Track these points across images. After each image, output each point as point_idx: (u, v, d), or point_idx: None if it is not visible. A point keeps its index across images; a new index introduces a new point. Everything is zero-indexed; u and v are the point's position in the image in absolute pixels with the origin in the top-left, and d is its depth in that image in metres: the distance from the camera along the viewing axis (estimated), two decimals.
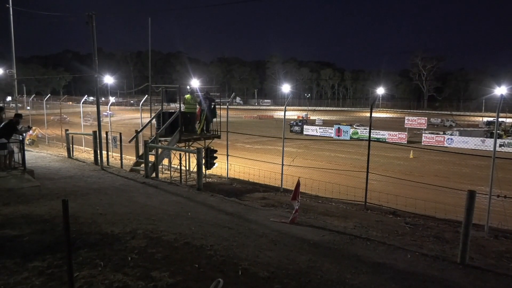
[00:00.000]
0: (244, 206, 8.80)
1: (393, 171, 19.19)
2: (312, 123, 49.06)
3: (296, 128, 42.42)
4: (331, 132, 39.42)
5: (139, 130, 14.52)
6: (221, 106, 14.87)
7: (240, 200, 9.74)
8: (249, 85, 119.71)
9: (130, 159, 15.79)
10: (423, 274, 5.13)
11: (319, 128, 42.00)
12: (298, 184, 7.77)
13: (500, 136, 30.69)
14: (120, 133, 14.93)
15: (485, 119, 45.83)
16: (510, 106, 46.56)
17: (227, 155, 13.98)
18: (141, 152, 13.35)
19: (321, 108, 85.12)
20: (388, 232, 7.42)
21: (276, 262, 5.22)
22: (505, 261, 6.18)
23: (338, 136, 37.85)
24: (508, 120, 42.09)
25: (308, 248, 5.95)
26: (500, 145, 28.57)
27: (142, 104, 18.11)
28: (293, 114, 57.87)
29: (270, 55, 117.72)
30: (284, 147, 12.68)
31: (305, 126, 42.42)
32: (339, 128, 39.06)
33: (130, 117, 45.26)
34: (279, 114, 52.96)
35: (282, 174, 12.32)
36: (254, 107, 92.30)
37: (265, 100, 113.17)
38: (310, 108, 76.50)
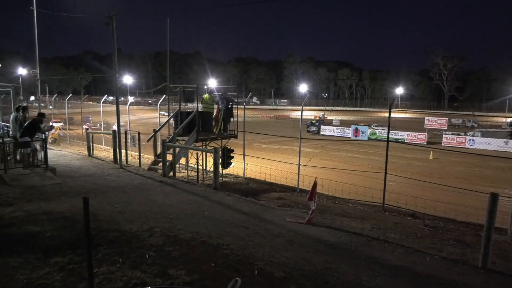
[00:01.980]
0: (260, 206, 8.81)
1: (412, 172, 18.85)
2: (329, 123, 48.68)
3: (313, 128, 42.16)
4: (348, 132, 39.02)
5: (157, 129, 14.71)
6: (238, 106, 14.92)
7: (256, 200, 9.75)
8: (266, 85, 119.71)
9: (148, 158, 16.01)
10: (442, 278, 5.03)
11: (336, 128, 41.63)
12: (314, 185, 7.72)
13: None
14: (139, 132, 15.16)
15: (509, 119, 44.51)
16: None
17: (244, 155, 14.01)
18: (159, 151, 13.53)
19: (339, 108, 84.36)
20: (406, 235, 7.30)
21: (292, 262, 5.20)
22: None
23: (356, 136, 37.42)
24: None
25: (325, 249, 5.91)
26: None
27: (160, 104, 18.34)
28: (310, 114, 57.53)
29: (287, 55, 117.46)
30: (301, 148, 12.63)
31: (322, 126, 42.11)
32: (356, 128, 38.61)
33: (148, 117, 45.88)
34: (295, 114, 52.76)
35: (298, 174, 12.27)
36: (271, 107, 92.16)
37: (282, 100, 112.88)
38: (327, 108, 75.88)
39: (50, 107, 30.57)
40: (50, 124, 16.57)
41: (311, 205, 7.48)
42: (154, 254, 5.25)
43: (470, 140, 32.32)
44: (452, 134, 34.89)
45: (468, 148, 30.87)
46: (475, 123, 47.86)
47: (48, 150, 11.62)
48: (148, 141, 14.35)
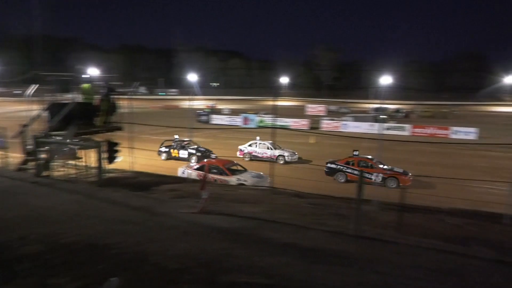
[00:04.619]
0: (152, 200, 8.53)
1: (298, 155, 20.37)
2: (220, 112, 49.33)
3: (204, 117, 42.22)
4: (238, 121, 40.14)
5: (26, 124, 12.93)
6: (124, 96, 14.02)
7: (148, 194, 9.41)
8: (154, 74, 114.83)
9: (17, 157, 14.03)
10: (324, 249, 5.61)
11: (227, 117, 42.43)
12: (205, 172, 7.77)
13: (385, 121, 34.59)
14: (3, 128, 13.15)
15: (374, 105, 51.24)
16: (394, 94, 52.72)
17: (130, 148, 13.30)
18: (30, 148, 11.94)
19: (229, 97, 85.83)
20: (293, 214, 7.91)
21: (187, 253, 5.19)
22: (390, 229, 7.07)
23: (246, 124, 38.74)
24: (392, 106, 47.73)
25: (219, 236, 6.04)
26: (387, 129, 32.27)
27: (30, 95, 16.12)
28: (200, 103, 57.36)
29: (177, 43, 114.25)
30: (192, 137, 12.54)
31: (212, 116, 42.45)
32: (246, 116, 39.96)
33: (15, 110, 40.06)
34: (186, 104, 52.16)
35: (190, 164, 12.18)
36: (160, 97, 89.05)
37: (172, 90, 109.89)
38: (217, 97, 76.63)
39: None
40: None
41: (203, 194, 7.53)
42: (29, 264, 4.67)
43: (343, 124, 36.29)
44: (330, 119, 38.67)
45: (342, 131, 34.64)
46: (348, 109, 53.83)
47: None
48: (15, 137, 12.54)
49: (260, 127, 37.22)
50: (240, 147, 21.21)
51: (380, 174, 14.48)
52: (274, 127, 11.13)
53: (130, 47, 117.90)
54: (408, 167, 16.49)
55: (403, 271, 4.93)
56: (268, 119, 39.35)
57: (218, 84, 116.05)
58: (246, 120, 39.59)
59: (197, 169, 13.85)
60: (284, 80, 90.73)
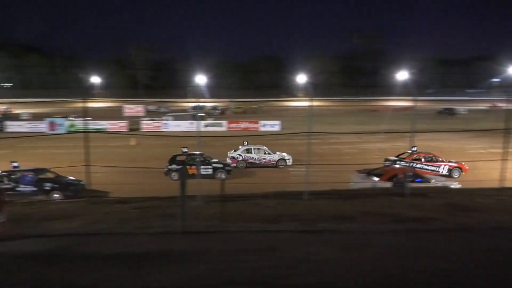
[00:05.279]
0: None
1: (118, 160, 19.21)
2: (17, 118, 41.78)
3: None
4: (43, 126, 34.88)
5: None
6: None
7: None
8: None
9: None
10: (153, 252, 5.52)
11: (27, 123, 36.30)
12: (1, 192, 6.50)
13: (203, 118, 36.31)
14: None
15: (192, 104, 52.92)
16: (210, 92, 55.73)
17: None
18: None
19: (28, 100, 73.40)
20: (117, 222, 7.46)
21: None
22: (215, 221, 7.52)
23: (53, 130, 34.00)
24: (209, 104, 50.46)
25: (28, 263, 5.15)
26: (206, 126, 33.93)
27: None
28: None
29: None
30: None
31: (6, 122, 35.55)
32: (52, 121, 35.14)
33: None
34: None
35: None
36: None
37: None
38: (12, 100, 64.41)
39: None
40: None
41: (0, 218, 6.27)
42: None
43: (164, 124, 36.26)
44: (150, 120, 37.95)
45: (163, 131, 34.55)
46: (167, 109, 53.99)
47: None
48: None
49: (71, 132, 33.31)
50: (231, 154, 18.79)
51: (446, 166, 15.89)
52: (88, 131, 10.19)
53: None
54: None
55: (228, 256, 5.33)
56: (80, 123, 35.62)
57: (12, 84, 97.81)
58: (52, 125, 34.79)
59: None
60: (95, 79, 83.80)
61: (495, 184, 10.20)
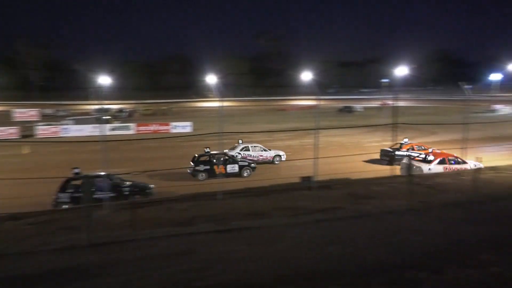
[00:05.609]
0: None
1: (7, 171, 17.00)
2: None
3: None
4: None
5: None
6: None
7: None
8: None
9: None
10: (55, 270, 5.02)
11: None
12: None
13: (108, 121, 34.06)
14: None
15: (95, 106, 49.18)
16: (115, 94, 52.52)
17: None
18: None
19: None
20: (9, 241, 6.61)
21: None
22: (126, 229, 7.12)
23: None
24: (114, 106, 47.58)
25: None
26: (112, 129, 31.88)
27: None
28: None
29: None
30: None
31: None
32: None
33: None
34: None
35: None
36: None
37: None
38: None
39: None
40: None
41: None
42: None
43: (64, 128, 33.17)
44: (46, 124, 34.35)
45: (63, 136, 31.57)
46: (67, 112, 49.50)
47: None
48: None
49: None
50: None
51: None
52: None
53: None
54: (137, 164, 17.04)
55: (140, 265, 5.10)
56: None
57: None
58: None
59: None
60: None
61: (387, 173, 11.45)
